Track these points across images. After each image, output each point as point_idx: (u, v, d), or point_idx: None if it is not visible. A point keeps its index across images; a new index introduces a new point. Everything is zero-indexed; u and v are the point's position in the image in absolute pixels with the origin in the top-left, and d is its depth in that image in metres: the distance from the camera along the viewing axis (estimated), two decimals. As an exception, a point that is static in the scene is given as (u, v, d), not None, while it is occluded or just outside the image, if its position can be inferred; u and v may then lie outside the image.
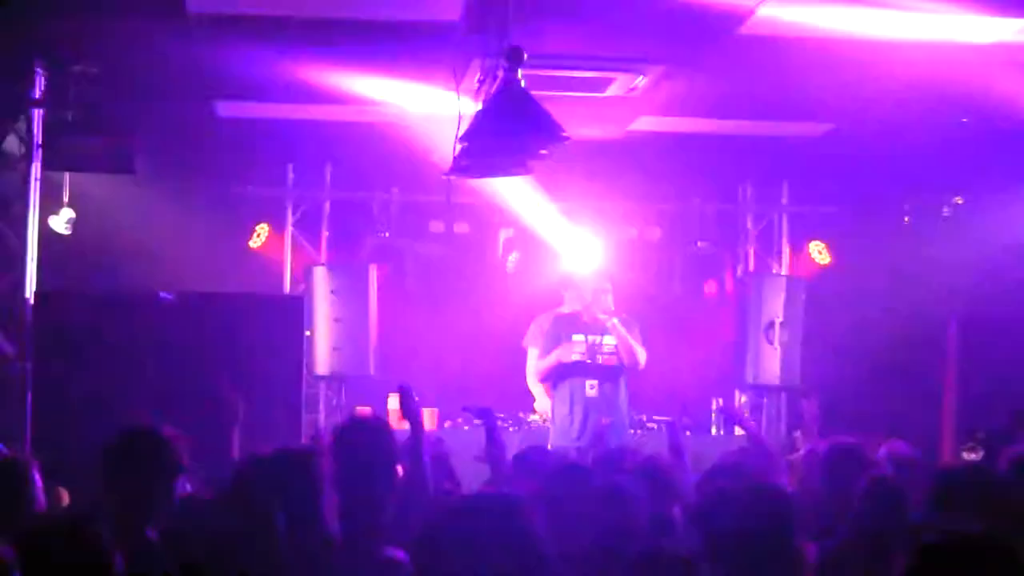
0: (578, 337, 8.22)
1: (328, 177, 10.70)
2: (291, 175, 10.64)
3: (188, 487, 4.54)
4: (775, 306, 10.34)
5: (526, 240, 10.60)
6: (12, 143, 8.26)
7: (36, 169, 8.31)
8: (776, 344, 10.25)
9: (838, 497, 4.89)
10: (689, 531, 4.49)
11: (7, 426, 7.71)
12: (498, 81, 6.79)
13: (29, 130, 8.25)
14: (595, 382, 8.18)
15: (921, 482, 4.80)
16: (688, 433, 7.39)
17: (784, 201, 11.21)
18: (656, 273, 10.93)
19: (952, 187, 10.39)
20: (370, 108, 8.80)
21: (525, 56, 6.79)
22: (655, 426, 9.61)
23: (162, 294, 8.15)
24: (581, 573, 3.97)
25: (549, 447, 7.84)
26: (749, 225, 11.28)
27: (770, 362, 10.29)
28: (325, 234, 10.75)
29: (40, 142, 8.25)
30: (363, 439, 4.10)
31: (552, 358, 8.25)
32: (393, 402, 9.82)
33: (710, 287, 11.17)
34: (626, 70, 8.00)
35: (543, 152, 6.32)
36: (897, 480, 4.86)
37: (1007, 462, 4.94)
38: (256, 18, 7.03)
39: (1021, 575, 2.74)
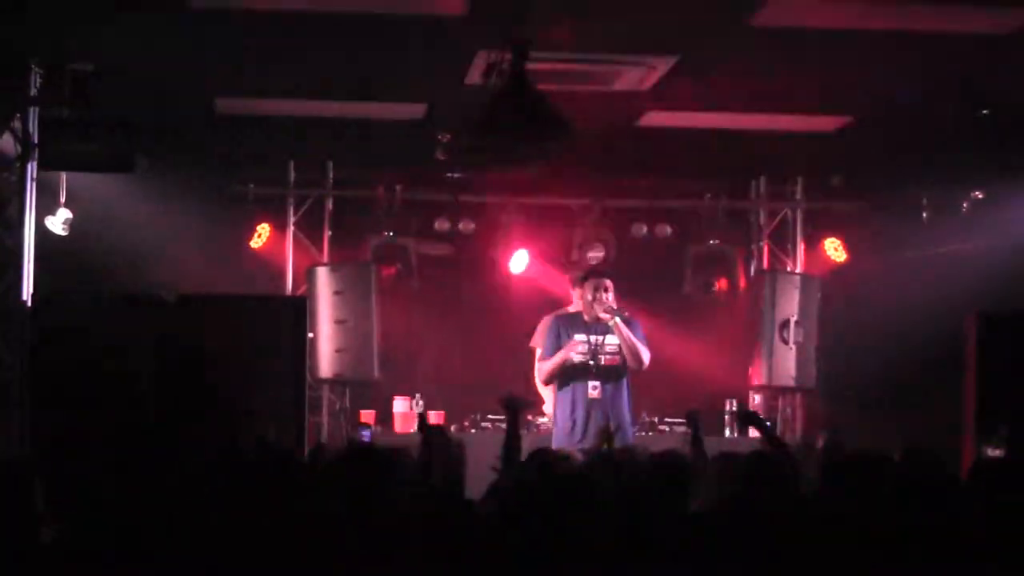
0: (580, 337, 8.04)
1: (330, 174, 10.64)
2: (292, 173, 10.60)
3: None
4: (790, 305, 10.28)
5: (532, 238, 10.51)
6: (7, 142, 8.19)
7: (32, 169, 8.23)
8: (791, 343, 10.18)
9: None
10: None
11: (5, 428, 7.67)
12: (504, 74, 6.68)
13: (25, 129, 8.16)
14: (597, 383, 8.00)
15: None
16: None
17: (798, 197, 11.11)
18: (667, 271, 10.84)
19: (972, 182, 10.30)
20: (373, 103, 8.73)
21: (531, 49, 6.67)
22: (667, 429, 9.46)
23: (162, 296, 8.08)
24: None
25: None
26: (762, 221, 11.18)
27: (785, 362, 10.22)
28: (327, 233, 10.70)
29: (36, 141, 8.17)
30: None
31: (556, 360, 8.06)
32: (399, 405, 9.76)
33: (722, 285, 11.01)
34: (635, 62, 7.90)
35: (549, 147, 6.21)
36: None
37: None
38: (258, 12, 6.97)
39: None
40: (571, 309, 8.64)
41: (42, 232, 8.56)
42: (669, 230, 10.80)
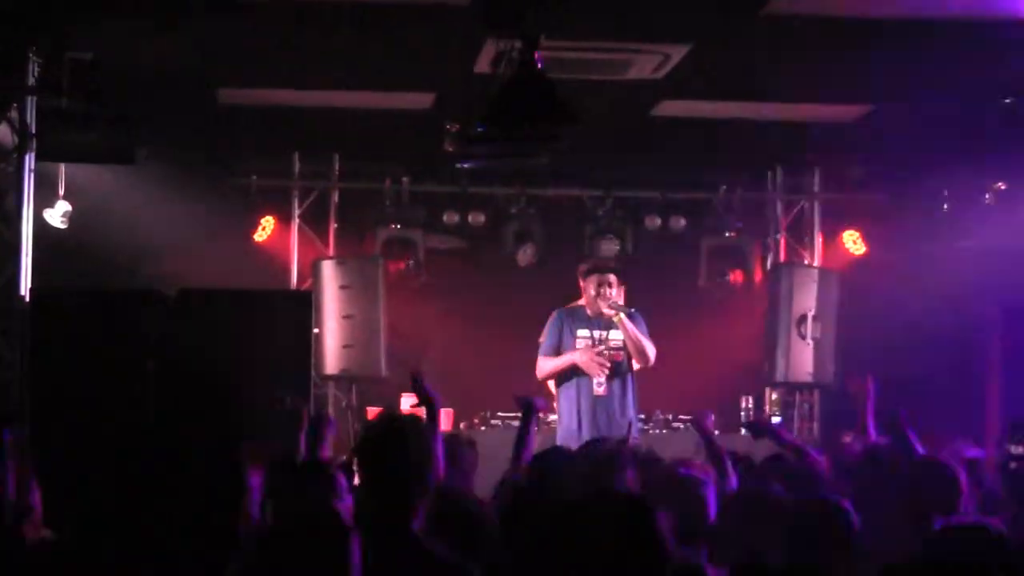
0: (583, 332, 7.88)
1: (336, 166, 10.61)
2: (297, 164, 10.57)
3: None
4: (807, 299, 10.27)
5: (542, 231, 10.46)
6: (4, 133, 8.13)
7: (30, 160, 8.18)
8: (808, 339, 10.15)
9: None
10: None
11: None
12: (514, 64, 6.56)
13: (22, 119, 8.10)
14: (603, 379, 7.83)
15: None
16: (717, 432, 7.06)
17: (816, 188, 11.04)
18: (681, 264, 10.77)
19: (994, 172, 10.19)
20: (379, 93, 8.70)
21: (541, 37, 6.54)
22: (681, 425, 9.30)
23: (162, 291, 7.99)
24: None
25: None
26: (779, 213, 11.10)
27: (802, 358, 10.21)
28: (333, 226, 10.68)
29: (34, 132, 8.12)
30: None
31: (559, 362, 7.88)
32: (407, 403, 9.60)
33: (737, 278, 10.87)
34: (648, 50, 7.85)
35: (560, 138, 6.08)
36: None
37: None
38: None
39: None
40: (581, 303, 8.48)
41: (40, 225, 8.49)
42: (683, 222, 10.74)
